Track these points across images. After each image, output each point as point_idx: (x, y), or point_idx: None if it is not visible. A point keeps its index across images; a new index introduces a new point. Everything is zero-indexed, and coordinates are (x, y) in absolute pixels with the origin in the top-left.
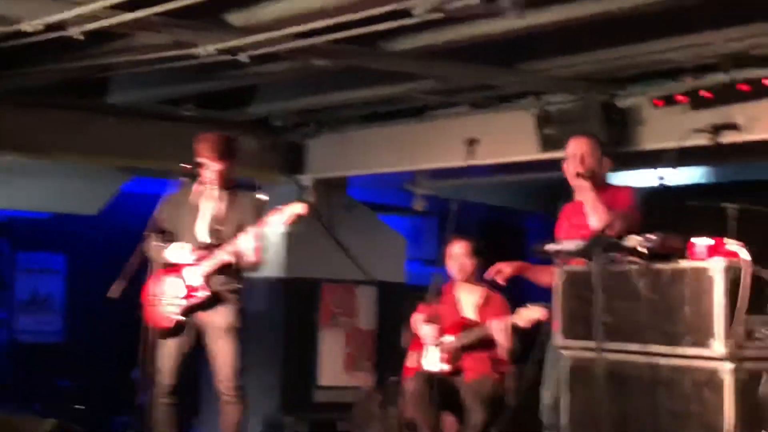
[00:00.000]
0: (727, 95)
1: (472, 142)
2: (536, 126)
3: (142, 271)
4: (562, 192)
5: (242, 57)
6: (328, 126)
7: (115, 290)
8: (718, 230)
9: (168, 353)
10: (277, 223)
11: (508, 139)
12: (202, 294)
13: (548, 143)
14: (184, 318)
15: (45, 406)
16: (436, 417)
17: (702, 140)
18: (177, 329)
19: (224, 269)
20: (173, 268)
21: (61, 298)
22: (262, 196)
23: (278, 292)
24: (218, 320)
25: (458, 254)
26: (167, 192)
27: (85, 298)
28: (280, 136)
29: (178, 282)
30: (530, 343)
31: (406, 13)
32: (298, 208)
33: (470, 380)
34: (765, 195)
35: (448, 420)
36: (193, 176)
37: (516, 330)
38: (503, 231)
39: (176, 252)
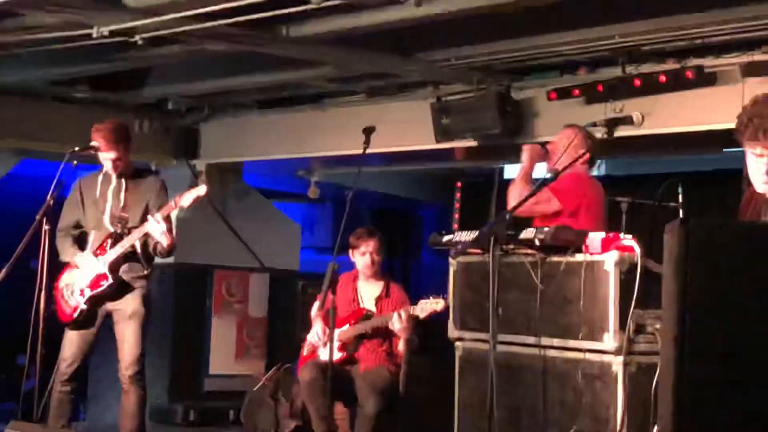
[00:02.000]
0: (620, 89)
1: (368, 131)
2: (432, 116)
3: (30, 257)
4: (455, 182)
5: (136, 39)
6: (224, 111)
7: (1, 276)
8: (611, 223)
9: (71, 341)
10: (183, 206)
11: (404, 128)
12: (107, 283)
13: (444, 133)
14: (89, 308)
15: None
16: (329, 406)
17: (596, 134)
18: (83, 320)
19: (130, 256)
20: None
21: None
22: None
23: (169, 278)
24: (124, 307)
25: (370, 251)
26: (75, 181)
27: None
28: (174, 119)
29: (84, 271)
30: (427, 335)
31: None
32: (202, 191)
33: (365, 370)
34: (653, 188)
35: (341, 410)
36: (85, 158)
37: (416, 321)
38: (397, 219)
39: (84, 261)
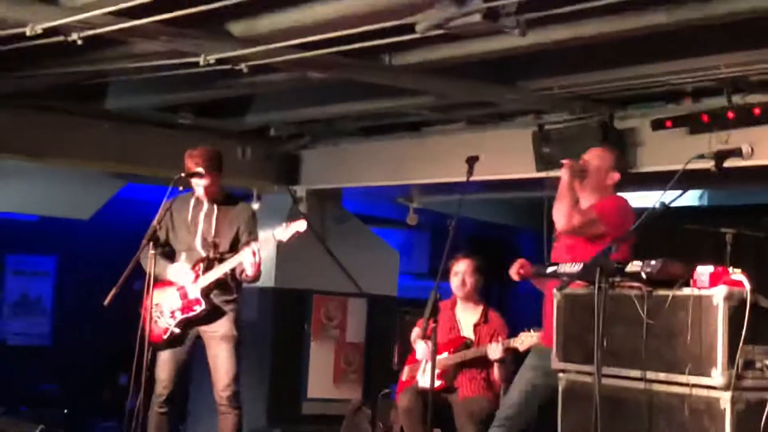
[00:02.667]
0: (725, 120)
1: (472, 160)
2: (533, 144)
3: (135, 278)
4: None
5: (241, 67)
6: (325, 138)
7: (109, 298)
8: (714, 254)
9: (164, 363)
10: (281, 240)
11: (504, 156)
12: (200, 308)
13: (545, 162)
14: (180, 331)
15: (31, 409)
16: None
17: (705, 165)
18: (173, 341)
19: (221, 281)
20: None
21: (51, 301)
22: (254, 206)
23: (269, 302)
24: (216, 330)
25: (461, 271)
26: (165, 201)
27: (74, 301)
28: (276, 146)
29: (176, 295)
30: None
31: (408, 29)
32: (302, 227)
33: (464, 398)
34: (755, 219)
35: None
36: (186, 185)
37: (514, 353)
38: (496, 247)
39: (177, 272)
